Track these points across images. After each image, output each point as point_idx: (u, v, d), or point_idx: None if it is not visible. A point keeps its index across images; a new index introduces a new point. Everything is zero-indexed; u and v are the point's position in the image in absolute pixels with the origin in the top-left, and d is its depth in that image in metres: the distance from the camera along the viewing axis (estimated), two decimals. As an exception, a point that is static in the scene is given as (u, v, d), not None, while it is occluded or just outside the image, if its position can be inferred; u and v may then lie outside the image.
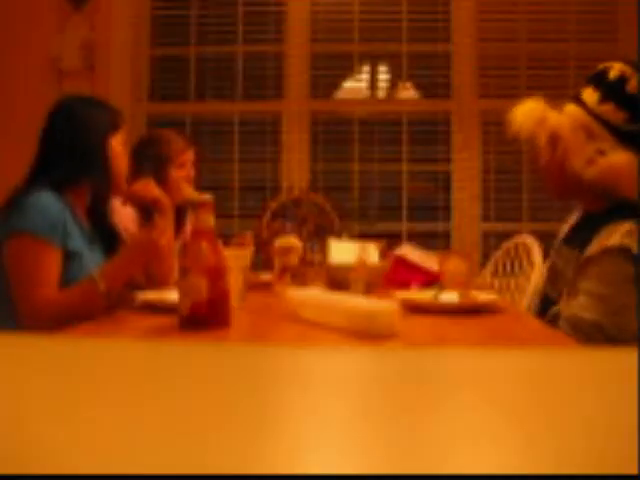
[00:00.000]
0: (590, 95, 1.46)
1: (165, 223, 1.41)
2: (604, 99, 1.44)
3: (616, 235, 1.35)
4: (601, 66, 1.49)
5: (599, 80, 1.47)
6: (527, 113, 1.51)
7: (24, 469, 0.19)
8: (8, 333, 0.35)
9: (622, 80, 1.43)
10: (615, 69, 1.45)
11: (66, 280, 1.42)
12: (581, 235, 1.51)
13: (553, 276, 1.55)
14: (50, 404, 0.26)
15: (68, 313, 1.36)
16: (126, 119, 1.68)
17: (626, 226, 1.36)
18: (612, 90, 1.44)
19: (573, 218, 1.65)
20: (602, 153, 1.40)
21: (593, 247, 1.38)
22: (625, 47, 3.01)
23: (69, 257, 1.44)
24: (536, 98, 1.53)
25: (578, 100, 1.49)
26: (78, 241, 1.47)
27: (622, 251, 1.33)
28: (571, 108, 1.49)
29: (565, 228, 1.69)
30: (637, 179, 1.38)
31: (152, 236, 1.38)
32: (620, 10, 3.04)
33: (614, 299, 1.33)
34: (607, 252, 1.34)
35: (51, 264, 1.40)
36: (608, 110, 1.43)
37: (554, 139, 1.47)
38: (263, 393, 0.27)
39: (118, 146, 1.56)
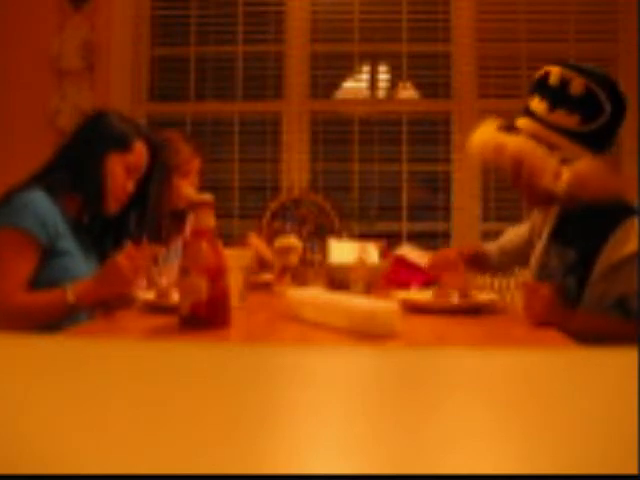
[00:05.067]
0: (538, 105, 1.45)
1: (144, 255, 1.42)
2: (552, 107, 1.43)
3: (632, 238, 1.35)
4: (540, 73, 1.49)
5: (542, 88, 1.46)
6: (483, 142, 1.50)
7: (23, 469, 0.19)
8: (7, 333, 0.35)
9: (564, 84, 1.43)
10: (554, 74, 1.44)
11: (49, 278, 1.44)
12: (569, 233, 1.50)
13: (546, 272, 1.54)
14: (49, 404, 0.26)
15: (29, 314, 1.39)
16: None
17: (634, 224, 1.36)
18: (557, 96, 1.43)
19: (550, 212, 1.64)
20: (566, 162, 1.40)
21: (610, 253, 1.36)
22: (625, 47, 3.01)
23: (57, 255, 1.45)
24: (490, 121, 1.53)
25: (528, 112, 1.48)
26: (68, 242, 1.48)
27: None
28: (524, 122, 1.48)
29: (538, 224, 1.68)
30: (602, 180, 1.38)
31: (126, 265, 1.37)
32: (620, 10, 3.04)
33: None
34: (633, 258, 1.34)
35: (27, 261, 1.41)
36: (559, 117, 1.43)
37: (516, 162, 1.46)
38: (263, 393, 0.27)
39: (117, 167, 1.55)
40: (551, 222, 1.61)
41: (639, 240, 1.33)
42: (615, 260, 1.35)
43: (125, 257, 1.37)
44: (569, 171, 1.38)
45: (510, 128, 1.49)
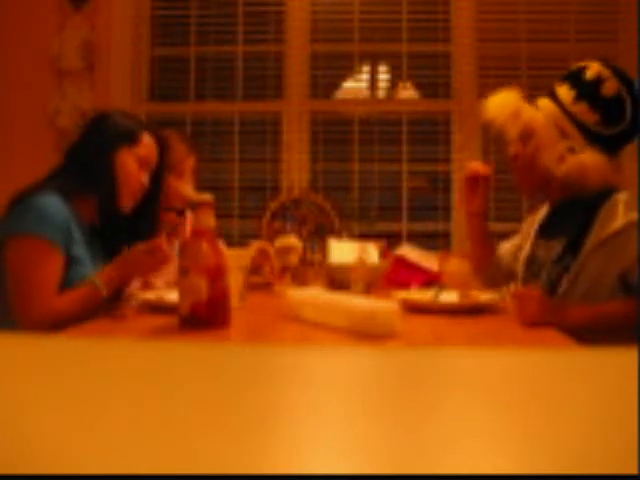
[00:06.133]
0: (565, 93, 1.46)
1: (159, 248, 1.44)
2: (579, 98, 1.44)
3: (619, 214, 1.36)
4: (579, 65, 1.49)
5: (576, 78, 1.46)
6: (501, 105, 1.50)
7: (23, 469, 0.19)
8: (8, 333, 0.35)
9: (598, 81, 1.42)
10: (592, 69, 1.44)
11: (62, 285, 1.42)
12: (560, 225, 1.50)
13: (534, 267, 1.55)
14: (49, 404, 0.26)
15: (67, 318, 1.36)
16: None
17: (621, 198, 1.37)
18: (587, 90, 1.43)
19: (539, 213, 1.65)
20: (572, 151, 1.40)
21: (599, 232, 1.37)
22: (625, 47, 3.01)
23: (69, 263, 1.44)
24: (511, 90, 1.53)
25: (553, 96, 1.48)
26: (81, 248, 1.47)
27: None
28: (545, 103, 1.48)
29: (526, 224, 1.69)
30: (602, 176, 1.39)
31: (146, 259, 1.42)
32: (620, 10, 3.04)
33: None
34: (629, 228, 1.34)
35: (54, 268, 1.40)
36: (581, 110, 1.43)
37: (526, 133, 1.46)
38: (263, 393, 0.27)
39: (129, 161, 1.55)
40: (538, 222, 1.62)
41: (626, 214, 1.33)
42: (604, 236, 1.36)
43: (148, 249, 1.42)
44: (574, 159, 1.39)
45: (531, 102, 1.50)
